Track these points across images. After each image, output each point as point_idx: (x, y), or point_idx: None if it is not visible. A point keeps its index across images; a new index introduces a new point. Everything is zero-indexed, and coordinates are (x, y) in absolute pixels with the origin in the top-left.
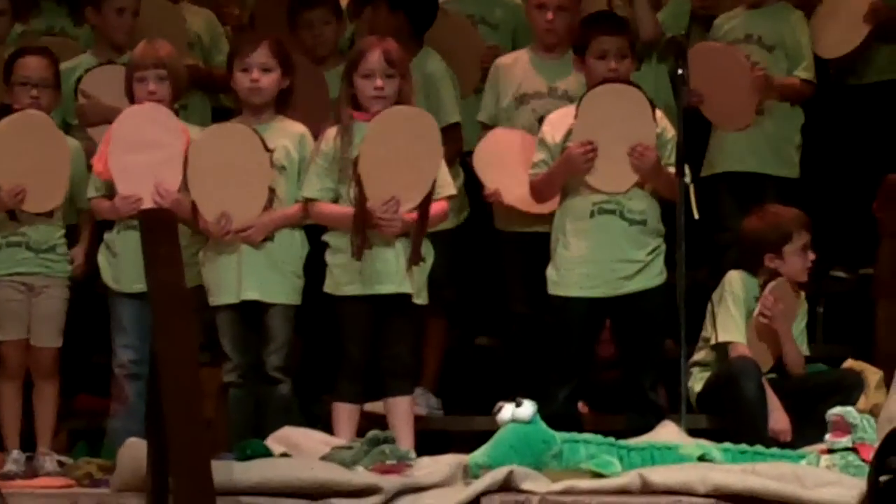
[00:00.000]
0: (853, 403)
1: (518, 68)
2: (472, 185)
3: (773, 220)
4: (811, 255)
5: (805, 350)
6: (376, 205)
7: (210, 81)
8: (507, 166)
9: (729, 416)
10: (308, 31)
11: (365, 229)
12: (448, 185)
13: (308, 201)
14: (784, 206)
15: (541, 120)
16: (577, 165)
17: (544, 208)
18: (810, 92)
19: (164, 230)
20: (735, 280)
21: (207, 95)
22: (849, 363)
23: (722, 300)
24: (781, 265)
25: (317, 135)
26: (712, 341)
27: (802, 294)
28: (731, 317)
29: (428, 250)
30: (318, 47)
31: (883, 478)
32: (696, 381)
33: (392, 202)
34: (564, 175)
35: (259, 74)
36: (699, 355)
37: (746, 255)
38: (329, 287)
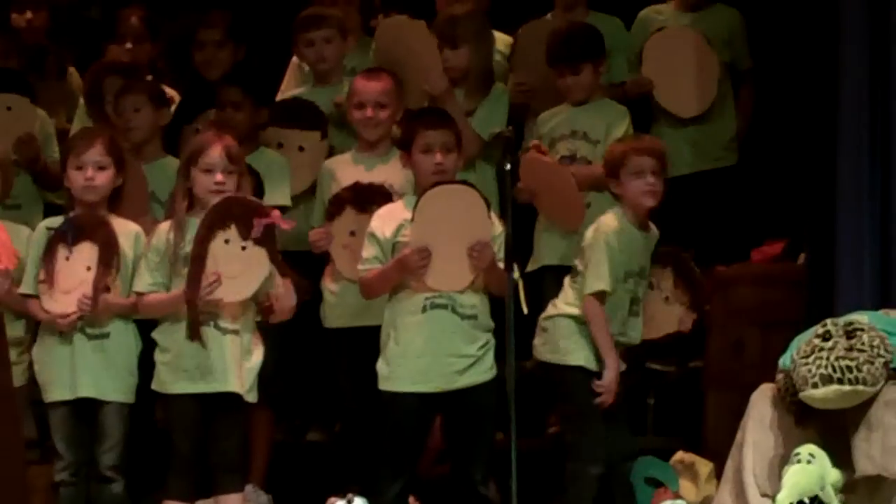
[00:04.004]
0: None
1: (341, 170)
2: None
3: None
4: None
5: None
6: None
7: (42, 177)
8: None
9: None
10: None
11: (197, 308)
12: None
13: (138, 296)
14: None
15: None
16: (412, 270)
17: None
18: None
19: None
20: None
21: (40, 193)
22: (679, 455)
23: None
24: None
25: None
26: None
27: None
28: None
29: (258, 349)
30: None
31: None
32: None
33: (214, 278)
34: (398, 276)
35: (94, 172)
36: None
37: None
38: (156, 385)
